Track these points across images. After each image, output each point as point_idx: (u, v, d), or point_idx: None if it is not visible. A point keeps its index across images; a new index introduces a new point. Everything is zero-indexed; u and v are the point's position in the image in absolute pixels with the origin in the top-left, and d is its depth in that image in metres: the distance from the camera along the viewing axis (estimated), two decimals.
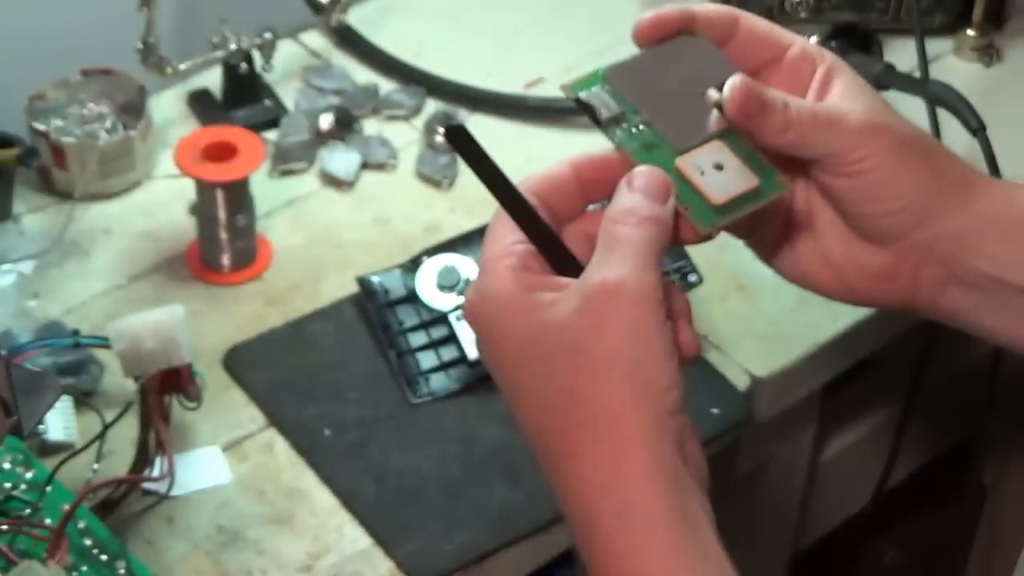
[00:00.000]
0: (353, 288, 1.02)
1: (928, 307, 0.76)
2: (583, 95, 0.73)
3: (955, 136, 1.08)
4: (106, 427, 0.85)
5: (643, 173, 0.69)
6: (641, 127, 0.72)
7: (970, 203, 0.74)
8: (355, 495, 0.92)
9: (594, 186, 0.71)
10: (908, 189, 0.73)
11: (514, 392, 0.68)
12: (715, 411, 0.97)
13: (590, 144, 1.16)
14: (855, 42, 1.08)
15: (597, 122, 0.73)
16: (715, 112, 0.73)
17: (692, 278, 1.01)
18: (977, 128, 1.04)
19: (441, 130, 1.14)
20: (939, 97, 1.07)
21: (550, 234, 0.69)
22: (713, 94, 0.73)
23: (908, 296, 0.76)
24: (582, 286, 0.66)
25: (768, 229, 0.76)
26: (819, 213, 0.76)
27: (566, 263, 0.69)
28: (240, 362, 0.99)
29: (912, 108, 1.11)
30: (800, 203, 0.76)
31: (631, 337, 0.65)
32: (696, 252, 1.00)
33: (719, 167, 0.71)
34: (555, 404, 0.66)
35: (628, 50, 1.36)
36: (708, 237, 0.71)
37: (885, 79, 1.07)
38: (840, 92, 0.74)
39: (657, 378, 0.65)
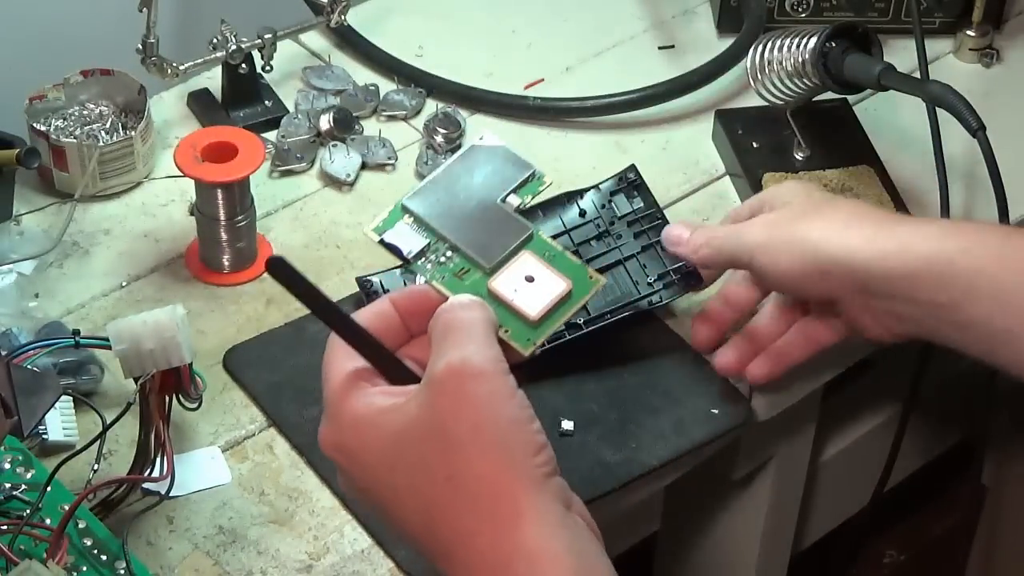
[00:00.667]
0: (353, 288, 1.02)
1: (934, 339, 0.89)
2: (387, 236, 0.75)
3: (955, 136, 1.08)
4: (106, 427, 0.85)
5: (461, 297, 0.71)
6: (449, 254, 0.74)
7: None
8: None
9: (413, 318, 0.73)
10: (788, 267, 0.89)
11: (391, 500, 0.69)
12: (715, 411, 0.97)
13: (590, 145, 1.16)
14: (855, 42, 1.08)
15: (404, 260, 0.75)
16: (518, 218, 0.75)
17: (692, 278, 1.01)
18: (977, 128, 1.04)
19: (442, 129, 1.14)
20: (939, 97, 1.06)
21: (383, 350, 0.71)
22: (513, 199, 0.76)
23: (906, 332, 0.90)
24: (428, 378, 0.68)
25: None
26: None
27: (402, 374, 0.71)
28: (240, 362, 0.99)
29: (912, 108, 1.11)
30: None
31: (488, 410, 0.67)
32: None
33: (530, 279, 0.74)
34: (436, 494, 0.67)
35: (628, 51, 1.35)
36: (533, 355, 0.73)
37: (885, 79, 1.07)
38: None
39: (524, 444, 0.67)
